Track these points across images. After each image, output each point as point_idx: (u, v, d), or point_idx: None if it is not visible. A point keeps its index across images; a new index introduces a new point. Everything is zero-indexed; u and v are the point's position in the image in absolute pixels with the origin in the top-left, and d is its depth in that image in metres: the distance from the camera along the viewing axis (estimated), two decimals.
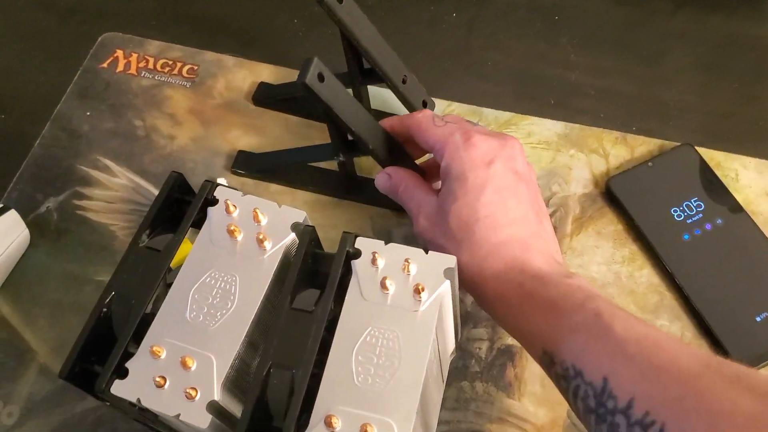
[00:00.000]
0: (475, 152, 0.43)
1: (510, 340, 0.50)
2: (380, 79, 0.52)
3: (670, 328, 0.50)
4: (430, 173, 0.51)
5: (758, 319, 0.49)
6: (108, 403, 0.39)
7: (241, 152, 0.58)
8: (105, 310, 0.38)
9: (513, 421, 0.48)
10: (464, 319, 0.51)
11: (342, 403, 0.34)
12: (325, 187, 0.56)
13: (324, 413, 0.33)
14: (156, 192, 0.50)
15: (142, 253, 0.39)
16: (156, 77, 0.64)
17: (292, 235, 0.39)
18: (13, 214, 0.56)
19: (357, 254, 0.38)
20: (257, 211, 0.39)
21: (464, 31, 0.64)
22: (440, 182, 0.45)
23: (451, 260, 0.37)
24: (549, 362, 0.37)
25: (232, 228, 0.38)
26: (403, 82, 0.53)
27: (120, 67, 0.65)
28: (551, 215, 0.55)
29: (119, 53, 0.66)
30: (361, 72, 0.54)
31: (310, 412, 0.34)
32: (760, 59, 0.60)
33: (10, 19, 0.70)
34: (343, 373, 0.35)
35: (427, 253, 0.38)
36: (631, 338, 0.33)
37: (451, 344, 0.46)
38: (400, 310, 0.36)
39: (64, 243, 0.57)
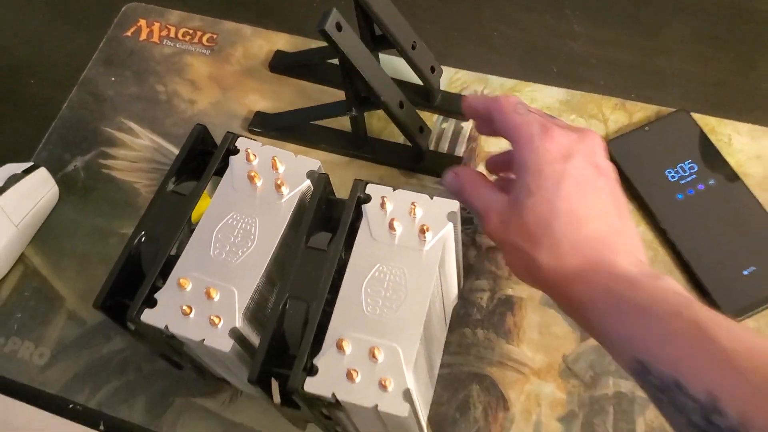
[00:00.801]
0: (553, 145, 0.39)
1: (510, 291, 0.53)
2: (391, 45, 0.55)
3: None
4: (496, 170, 0.50)
5: (745, 273, 0.51)
6: (137, 336, 0.42)
7: (258, 113, 0.62)
8: (135, 248, 0.41)
9: (511, 365, 0.51)
10: (467, 271, 0.54)
11: (352, 330, 0.37)
12: (337, 146, 0.59)
13: (335, 338, 0.37)
14: (176, 152, 0.54)
15: (169, 198, 0.43)
16: (177, 45, 0.67)
17: (308, 182, 0.42)
18: (43, 172, 0.60)
19: (367, 199, 0.41)
20: (275, 159, 0.42)
21: (473, 5, 0.67)
22: (512, 175, 0.43)
23: (454, 205, 0.40)
24: (642, 371, 0.35)
25: (252, 174, 0.42)
26: (413, 47, 0.55)
27: (143, 36, 0.68)
28: None
29: (142, 22, 0.69)
30: (372, 38, 0.57)
31: (323, 341, 0.37)
32: (757, 31, 0.62)
33: None
34: (354, 304, 0.38)
35: (432, 198, 0.41)
36: (740, 350, 0.31)
37: (453, 290, 0.49)
38: (406, 249, 0.39)
39: (90, 199, 0.61)
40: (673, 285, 0.37)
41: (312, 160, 0.43)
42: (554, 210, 0.38)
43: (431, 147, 0.60)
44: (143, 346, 0.46)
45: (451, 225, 0.40)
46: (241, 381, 0.45)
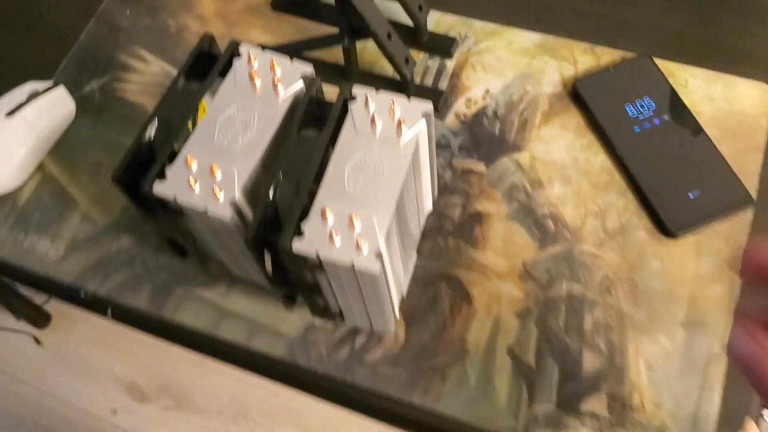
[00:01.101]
0: None
1: (479, 207, 0.59)
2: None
3: (617, 202, 0.59)
4: None
5: (690, 196, 0.58)
6: (149, 213, 0.48)
7: (259, 45, 0.67)
8: (148, 133, 0.47)
9: (477, 268, 0.57)
10: (442, 190, 0.60)
11: (335, 202, 0.43)
12: (330, 77, 0.65)
13: (320, 208, 0.43)
14: None
15: (180, 92, 0.49)
16: None
17: (301, 83, 0.48)
18: (62, 90, 0.66)
19: (353, 98, 0.47)
20: (273, 61, 0.48)
21: None
22: None
23: (428, 105, 0.46)
24: None
25: (252, 73, 0.48)
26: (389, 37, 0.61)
27: None
28: (522, 112, 0.64)
29: None
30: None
31: (308, 213, 0.43)
32: None
33: None
34: (337, 183, 0.44)
35: (409, 100, 0.47)
36: None
37: (428, 196, 0.55)
38: (385, 141, 0.45)
39: (104, 117, 0.67)
40: None
41: (306, 64, 0.49)
42: None
43: (417, 81, 0.66)
44: (152, 227, 0.52)
45: (424, 122, 0.46)
46: (237, 260, 0.51)
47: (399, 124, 0.45)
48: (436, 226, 0.59)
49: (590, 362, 0.53)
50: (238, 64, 0.49)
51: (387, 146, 0.45)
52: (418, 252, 0.58)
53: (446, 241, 0.58)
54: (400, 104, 0.46)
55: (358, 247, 0.42)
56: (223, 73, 0.49)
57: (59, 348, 1.40)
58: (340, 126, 0.46)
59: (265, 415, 1.32)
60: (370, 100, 0.46)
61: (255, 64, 0.48)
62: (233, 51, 0.49)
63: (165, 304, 0.58)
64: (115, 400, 1.35)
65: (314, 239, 0.42)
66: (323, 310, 0.52)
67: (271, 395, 1.32)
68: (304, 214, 0.43)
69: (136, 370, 1.37)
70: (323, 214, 0.42)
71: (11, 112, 0.62)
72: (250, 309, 0.57)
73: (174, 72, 0.68)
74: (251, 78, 0.48)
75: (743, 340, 0.30)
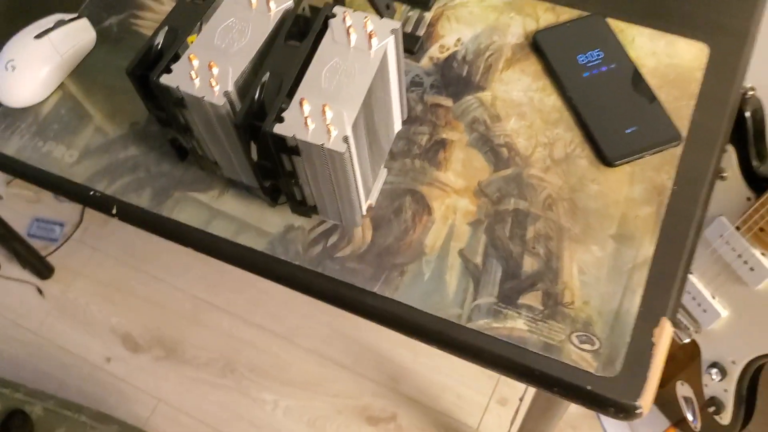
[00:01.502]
0: None
1: (444, 135, 0.68)
2: None
3: (564, 135, 0.67)
4: None
5: (627, 131, 0.66)
6: (154, 106, 0.57)
7: None
8: (158, 37, 0.56)
9: (438, 185, 0.65)
10: (413, 120, 0.69)
11: (311, 96, 0.52)
12: None
13: (298, 100, 0.51)
14: None
15: (188, 6, 0.57)
16: None
17: (291, 2, 0.57)
18: (84, 21, 0.75)
19: (333, 15, 0.56)
20: None
21: None
22: None
23: (396, 24, 0.55)
24: None
25: None
26: None
27: None
28: (488, 58, 0.72)
29: None
30: None
31: (289, 106, 0.52)
32: None
33: None
34: (315, 81, 0.53)
35: (381, 18, 0.55)
36: None
37: (397, 114, 0.63)
38: (357, 50, 0.54)
39: (120, 47, 0.75)
40: None
41: None
42: None
43: None
44: (157, 127, 0.61)
45: (392, 37, 0.54)
46: (228, 155, 0.59)
47: (370, 36, 0.54)
48: (405, 150, 0.67)
49: (529, 265, 0.61)
50: None
51: (359, 54, 0.54)
52: (389, 170, 0.66)
53: (413, 162, 0.67)
54: (373, 21, 0.55)
55: (328, 131, 0.50)
56: None
57: (60, 298, 1.48)
58: (321, 37, 0.55)
59: (251, 370, 1.39)
60: (347, 16, 0.55)
61: None
62: None
63: (164, 204, 0.66)
64: (110, 350, 1.43)
65: (292, 124, 0.51)
66: (300, 204, 0.60)
67: (259, 353, 1.40)
68: (285, 106, 0.52)
69: (132, 322, 1.45)
70: (301, 105, 0.51)
71: (39, 35, 0.71)
72: (238, 210, 0.65)
73: None
74: None
75: None
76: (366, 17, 0.54)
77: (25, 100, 0.71)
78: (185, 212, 0.66)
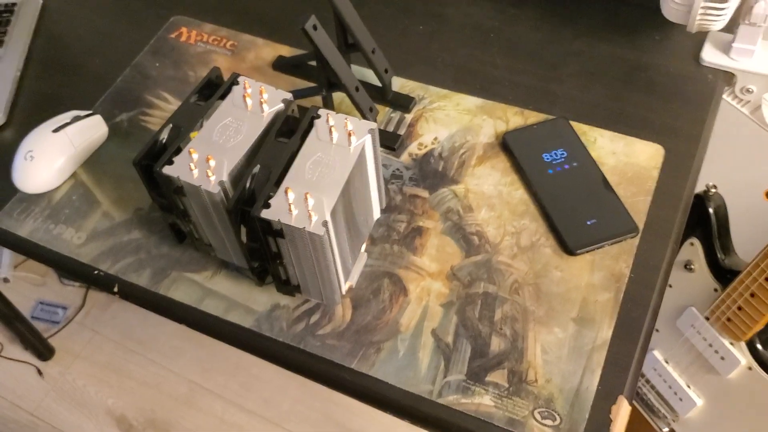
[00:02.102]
0: None
1: (421, 224, 0.74)
2: (358, 49, 0.78)
3: (530, 226, 0.73)
4: None
5: (588, 223, 0.72)
6: (156, 193, 0.63)
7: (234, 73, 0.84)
8: (163, 133, 0.63)
9: (414, 269, 0.71)
10: (392, 209, 0.75)
11: (296, 185, 0.58)
12: None
13: (284, 188, 0.58)
14: None
15: (191, 106, 0.65)
16: (207, 47, 0.91)
17: (282, 105, 0.64)
18: (98, 117, 0.83)
19: (318, 116, 0.63)
20: (262, 88, 0.64)
21: (426, 38, 0.91)
22: None
23: (372, 124, 0.62)
24: None
25: (245, 96, 0.64)
26: (373, 52, 0.79)
27: (183, 38, 0.92)
28: (462, 155, 0.79)
29: (183, 29, 0.93)
30: (345, 44, 0.80)
31: (275, 194, 0.58)
32: (627, 72, 0.85)
33: (112, 2, 0.98)
34: (299, 173, 0.59)
35: (361, 120, 0.62)
36: None
37: (375, 202, 0.70)
38: (339, 146, 0.61)
39: (130, 141, 0.83)
40: None
41: (286, 93, 0.65)
42: None
43: (381, 127, 0.82)
44: (160, 213, 0.67)
45: (369, 135, 0.62)
46: (220, 238, 0.65)
47: (349, 134, 0.61)
48: (385, 236, 0.73)
49: (497, 344, 0.66)
50: (236, 89, 0.65)
51: (340, 150, 0.61)
52: (369, 254, 0.72)
53: (392, 247, 0.73)
54: (352, 121, 0.62)
55: (309, 216, 0.56)
56: (224, 96, 0.65)
57: (58, 380, 1.51)
58: (307, 135, 0.62)
59: None
60: (330, 117, 0.62)
61: (248, 90, 0.65)
62: (233, 80, 0.66)
63: (161, 283, 0.72)
64: (104, 431, 1.45)
65: (278, 210, 0.57)
66: (285, 284, 0.65)
67: None
68: (272, 194, 0.58)
69: (127, 404, 1.47)
70: (286, 193, 0.57)
71: (57, 129, 0.79)
72: (228, 289, 0.71)
73: None
74: (244, 99, 0.64)
75: None
76: (346, 118, 0.62)
77: (41, 187, 0.78)
78: (180, 291, 0.71)
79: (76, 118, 0.80)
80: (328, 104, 0.80)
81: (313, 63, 0.85)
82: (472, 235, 0.73)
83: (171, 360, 1.52)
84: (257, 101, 0.64)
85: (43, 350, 1.52)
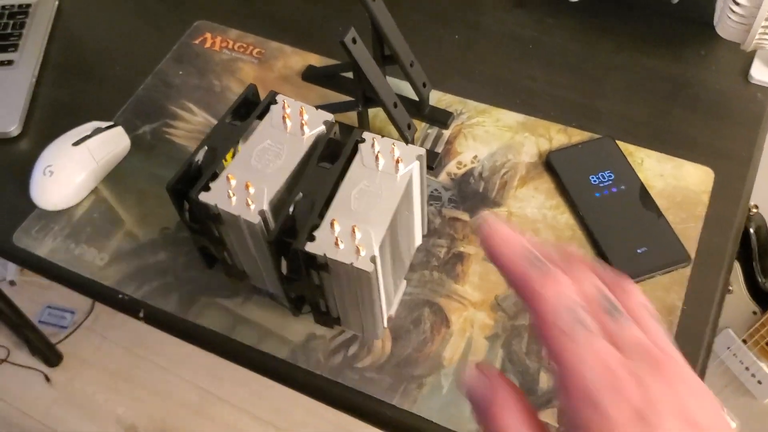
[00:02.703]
0: (625, 409, 0.27)
1: (462, 249, 0.70)
2: (395, 62, 0.75)
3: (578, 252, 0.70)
4: None
5: (638, 251, 0.69)
6: (190, 220, 0.60)
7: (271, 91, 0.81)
8: (198, 156, 0.59)
9: (456, 297, 0.68)
10: (432, 233, 0.72)
11: (341, 216, 0.55)
12: (344, 138, 0.78)
13: (330, 220, 0.54)
14: None
15: (226, 126, 0.61)
16: (233, 54, 0.87)
17: (323, 127, 0.60)
18: (120, 129, 0.79)
19: (362, 140, 0.59)
20: (302, 108, 0.61)
21: (462, 49, 0.87)
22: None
23: (421, 150, 0.59)
24: None
25: (285, 116, 0.60)
26: (411, 65, 0.75)
27: (207, 45, 0.89)
28: (503, 175, 0.76)
29: (208, 35, 0.89)
30: (382, 57, 0.76)
31: (319, 225, 0.55)
32: (672, 88, 0.82)
33: (131, 4, 0.94)
34: (345, 203, 0.56)
35: (408, 145, 0.59)
36: None
37: (419, 228, 0.66)
38: (385, 174, 0.57)
39: (153, 154, 0.79)
40: None
41: (327, 114, 0.61)
42: None
43: (418, 144, 0.78)
44: (190, 236, 0.63)
45: (417, 162, 0.58)
46: (257, 266, 0.61)
47: (397, 161, 0.57)
48: (424, 262, 0.70)
49: (545, 381, 0.63)
50: (275, 108, 0.61)
51: (386, 178, 0.57)
52: (408, 281, 0.68)
53: (432, 274, 0.69)
54: (399, 147, 0.58)
55: (357, 251, 0.53)
56: (261, 116, 0.62)
57: (67, 387, 1.48)
58: (351, 160, 0.58)
59: None
60: (376, 142, 0.59)
61: (288, 110, 0.61)
62: (271, 99, 0.62)
63: (190, 309, 0.68)
64: None
65: (323, 243, 0.53)
66: (324, 315, 0.62)
67: None
68: (317, 225, 0.54)
69: (137, 413, 1.44)
70: (332, 225, 0.54)
71: (77, 143, 0.75)
72: (261, 317, 0.67)
73: (215, 123, 0.81)
74: (284, 120, 0.60)
75: (480, 381, 0.31)
76: (393, 143, 0.58)
77: (60, 204, 0.74)
78: (210, 318, 0.68)
79: (97, 130, 0.77)
80: (364, 120, 0.76)
81: (347, 74, 0.82)
82: None
83: (181, 366, 1.49)
84: (297, 122, 0.60)
85: (50, 356, 1.49)
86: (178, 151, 0.79)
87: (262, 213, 0.55)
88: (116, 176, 0.78)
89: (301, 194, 0.57)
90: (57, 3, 0.94)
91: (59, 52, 0.90)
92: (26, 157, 0.79)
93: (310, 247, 0.53)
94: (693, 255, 0.69)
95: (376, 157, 0.58)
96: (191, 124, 0.81)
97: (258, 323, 0.67)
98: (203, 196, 0.56)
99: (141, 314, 0.69)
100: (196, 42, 0.89)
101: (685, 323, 0.65)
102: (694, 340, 0.64)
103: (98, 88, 0.86)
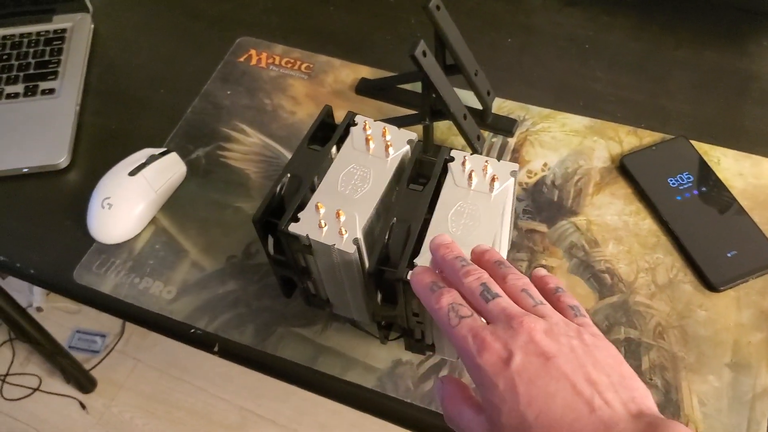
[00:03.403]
0: (491, 356, 0.39)
1: (544, 261, 0.68)
2: (458, 71, 0.72)
3: (664, 260, 0.67)
4: None
5: (728, 255, 0.66)
6: (276, 253, 0.57)
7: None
8: (282, 183, 0.57)
9: None
10: (511, 247, 0.69)
11: None
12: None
13: (427, 249, 0.51)
14: (281, 149, 0.71)
15: (307, 151, 0.58)
16: (281, 70, 0.85)
17: (407, 147, 0.58)
18: (174, 155, 0.76)
19: (451, 159, 0.57)
20: (385, 129, 0.58)
21: (517, 52, 0.85)
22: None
23: (514, 165, 0.56)
24: None
25: (368, 138, 0.57)
26: (475, 74, 0.72)
27: (253, 62, 0.86)
28: (577, 182, 0.73)
29: (252, 52, 0.87)
30: (444, 66, 0.74)
31: (419, 252, 0.52)
32: (740, 83, 0.79)
33: (168, 23, 0.91)
34: (442, 226, 0.53)
35: (499, 161, 0.56)
36: None
37: (505, 246, 0.63)
38: (480, 194, 0.55)
39: (210, 179, 0.76)
40: None
41: (410, 132, 0.58)
42: (526, 420, 0.37)
43: (483, 155, 0.76)
44: (272, 266, 0.61)
45: (513, 179, 0.55)
46: (343, 294, 0.59)
47: (492, 179, 0.55)
48: None
49: None
50: (355, 130, 0.59)
51: (481, 197, 0.54)
52: None
53: None
54: (492, 164, 0.56)
55: None
56: (342, 139, 0.59)
57: (104, 413, 1.45)
58: (442, 181, 0.56)
59: None
60: (467, 160, 0.56)
61: (369, 131, 0.58)
62: (350, 120, 0.59)
63: (267, 340, 0.65)
64: None
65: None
66: (418, 342, 0.59)
67: None
68: (416, 252, 0.52)
69: None
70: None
71: (133, 172, 0.72)
72: (342, 345, 0.65)
73: (271, 143, 0.78)
74: (366, 141, 0.57)
75: (436, 383, 0.46)
76: (486, 161, 0.55)
77: (120, 237, 0.72)
78: (290, 348, 0.65)
79: (152, 158, 0.74)
80: (430, 133, 0.73)
81: (403, 86, 0.79)
82: (602, 273, 0.67)
83: (219, 387, 1.46)
84: (381, 143, 0.58)
85: (84, 382, 1.46)
86: (235, 174, 0.76)
87: (356, 241, 0.53)
88: (174, 204, 0.75)
89: (395, 219, 0.54)
90: (92, 26, 0.91)
91: (100, 78, 0.87)
92: (78, 189, 0.76)
93: (411, 278, 0.50)
94: None
95: (469, 176, 0.55)
96: (246, 146, 0.78)
97: (340, 352, 0.64)
98: (293, 227, 0.54)
99: (215, 348, 0.66)
100: (241, 60, 0.86)
101: None
102: None
103: (144, 114, 0.83)
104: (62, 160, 0.78)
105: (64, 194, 0.77)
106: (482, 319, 0.42)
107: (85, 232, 0.72)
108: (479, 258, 0.47)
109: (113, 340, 1.54)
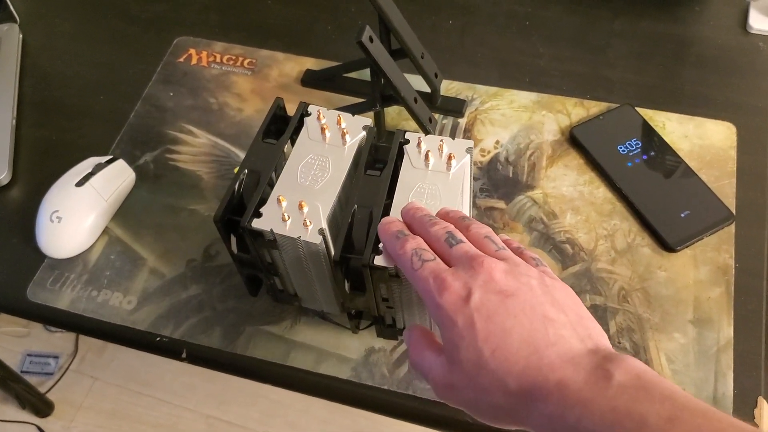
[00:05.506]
0: (451, 295, 0.41)
1: (505, 237, 0.68)
2: (404, 55, 0.72)
3: (621, 226, 0.69)
4: None
5: (682, 215, 0.68)
6: (238, 251, 0.56)
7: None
8: (240, 180, 0.56)
9: None
10: None
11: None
12: None
13: None
14: (231, 147, 0.70)
15: (262, 146, 0.57)
16: (223, 68, 0.83)
17: (363, 133, 0.57)
18: (121, 162, 0.74)
19: (407, 141, 0.56)
20: (339, 117, 0.57)
21: (459, 33, 0.85)
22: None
23: (469, 142, 0.56)
24: None
25: (323, 127, 0.57)
26: (422, 57, 0.72)
27: (194, 61, 0.84)
28: (530, 157, 0.74)
29: (192, 51, 0.85)
30: (390, 51, 0.73)
31: None
32: (677, 49, 0.81)
33: (102, 29, 0.89)
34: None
35: (453, 139, 0.56)
36: None
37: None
38: (438, 173, 0.55)
39: (161, 184, 0.74)
40: (633, 369, 0.36)
41: (365, 119, 0.58)
42: (482, 354, 0.39)
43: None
44: (236, 266, 0.60)
45: (468, 156, 0.55)
46: (311, 287, 0.58)
47: (449, 158, 0.55)
48: None
49: None
50: (310, 120, 0.58)
51: (440, 177, 0.54)
52: None
53: None
54: (447, 143, 0.56)
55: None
56: (296, 130, 0.58)
57: None
58: (399, 164, 0.56)
59: None
60: (422, 142, 0.56)
61: (324, 120, 0.58)
62: (303, 111, 0.58)
63: (236, 341, 0.64)
64: None
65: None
66: (389, 328, 0.59)
67: None
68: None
69: None
70: None
71: (80, 182, 0.70)
72: (314, 339, 0.64)
73: (220, 142, 0.77)
74: (322, 131, 0.57)
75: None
76: (441, 140, 0.55)
77: (73, 250, 0.69)
78: (260, 347, 0.64)
79: (99, 167, 0.71)
80: (381, 119, 0.73)
81: (348, 75, 0.79)
82: (563, 244, 0.68)
83: (183, 398, 1.44)
84: (337, 132, 0.57)
85: (41, 406, 1.41)
86: (186, 176, 0.75)
87: (321, 231, 0.52)
88: (127, 212, 0.73)
89: (356, 205, 0.54)
90: (21, 36, 0.87)
91: (35, 89, 0.84)
92: (23, 205, 0.73)
93: (379, 261, 0.50)
94: (734, 211, 0.69)
95: (426, 157, 0.55)
96: (195, 147, 0.77)
97: (312, 345, 0.64)
98: (257, 223, 0.53)
99: (183, 355, 0.65)
100: (181, 60, 0.84)
101: (742, 281, 0.65)
102: (754, 296, 0.64)
103: (85, 122, 0.80)
104: (2, 176, 0.75)
105: (9, 211, 0.74)
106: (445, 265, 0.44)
107: (35, 249, 0.70)
108: (445, 216, 0.50)
109: (67, 360, 1.49)
